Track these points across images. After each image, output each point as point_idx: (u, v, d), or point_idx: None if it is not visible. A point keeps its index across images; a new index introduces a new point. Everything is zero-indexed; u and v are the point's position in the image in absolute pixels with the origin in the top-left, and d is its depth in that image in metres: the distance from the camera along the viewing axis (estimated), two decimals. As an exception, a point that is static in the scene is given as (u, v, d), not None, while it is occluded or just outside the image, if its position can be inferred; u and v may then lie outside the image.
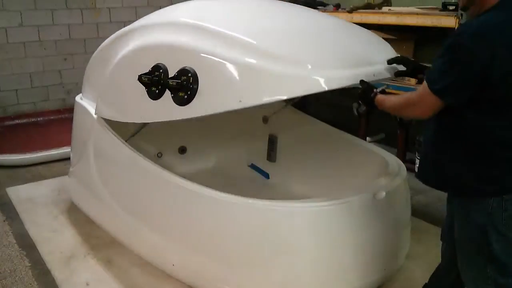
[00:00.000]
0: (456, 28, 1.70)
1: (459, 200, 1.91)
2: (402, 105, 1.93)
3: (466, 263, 1.93)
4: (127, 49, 2.83)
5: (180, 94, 2.32)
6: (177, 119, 2.41)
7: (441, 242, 2.19)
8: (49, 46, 5.79)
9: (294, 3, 4.91)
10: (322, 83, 2.14)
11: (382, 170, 2.68)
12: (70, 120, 3.61)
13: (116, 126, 3.00)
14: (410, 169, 3.81)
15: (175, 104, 2.36)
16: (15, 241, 3.17)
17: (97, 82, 3.14)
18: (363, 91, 2.12)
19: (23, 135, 5.26)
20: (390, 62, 2.33)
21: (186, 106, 2.31)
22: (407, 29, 4.09)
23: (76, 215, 3.47)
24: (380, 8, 4.20)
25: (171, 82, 2.34)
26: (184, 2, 2.99)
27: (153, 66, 2.49)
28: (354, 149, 3.14)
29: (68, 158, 3.75)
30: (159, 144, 3.75)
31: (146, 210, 2.79)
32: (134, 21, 3.12)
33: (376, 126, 4.81)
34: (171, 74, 2.40)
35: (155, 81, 2.44)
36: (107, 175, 3.06)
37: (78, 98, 3.45)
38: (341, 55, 2.32)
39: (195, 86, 2.28)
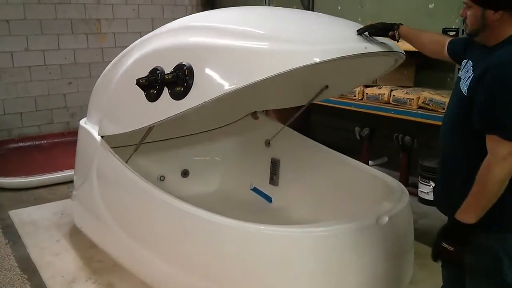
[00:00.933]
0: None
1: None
2: (488, 180, 1.66)
3: None
4: (126, 65, 2.89)
5: (177, 88, 2.36)
6: (176, 113, 2.40)
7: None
8: (54, 70, 5.88)
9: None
10: (313, 56, 2.14)
11: (385, 194, 2.68)
12: (74, 143, 3.63)
13: (119, 150, 3.02)
14: (412, 193, 3.83)
15: (173, 100, 2.39)
16: (16, 265, 3.16)
17: (100, 105, 3.18)
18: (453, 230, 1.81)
19: (27, 158, 5.30)
20: (359, 32, 2.32)
21: (183, 99, 2.34)
22: (408, 54, 4.13)
23: (78, 239, 3.46)
24: (381, 33, 4.25)
25: (167, 77, 2.38)
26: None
27: (150, 71, 2.54)
28: (357, 173, 3.14)
29: (71, 181, 3.77)
30: (161, 167, 3.77)
31: (148, 234, 2.78)
32: (139, 46, 3.18)
33: (379, 150, 4.84)
34: (168, 71, 2.45)
35: (153, 81, 2.49)
36: (110, 198, 3.07)
37: (82, 122, 3.48)
38: (329, 34, 2.34)
39: (190, 78, 2.32)
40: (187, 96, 2.32)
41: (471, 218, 1.71)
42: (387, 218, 2.37)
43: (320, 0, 5.41)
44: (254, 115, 3.86)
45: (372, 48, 2.25)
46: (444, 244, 1.78)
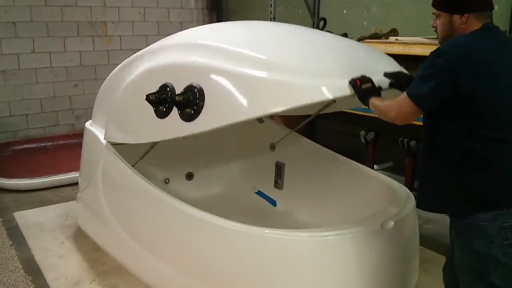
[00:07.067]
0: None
1: (459, 227, 1.92)
2: (384, 108, 1.95)
3: None
4: (135, 73, 2.88)
5: (187, 110, 2.36)
6: (185, 135, 2.41)
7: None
8: (60, 72, 5.90)
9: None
10: (325, 92, 2.13)
11: (390, 199, 2.67)
12: (79, 145, 3.64)
13: (125, 153, 3.02)
14: (418, 198, 3.81)
15: (182, 120, 2.39)
16: (21, 266, 3.16)
17: (106, 108, 3.18)
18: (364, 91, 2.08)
19: (32, 159, 5.32)
20: (386, 75, 2.30)
21: (193, 121, 2.34)
22: (414, 58, 4.12)
23: (82, 241, 3.47)
24: (387, 38, 4.24)
25: (177, 98, 2.37)
26: (189, 29, 3.05)
27: (161, 86, 2.53)
28: (362, 178, 3.12)
29: (76, 183, 3.77)
30: (166, 170, 3.77)
31: (152, 237, 2.78)
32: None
33: (384, 154, 4.82)
34: (178, 90, 2.43)
35: (163, 99, 2.48)
36: (115, 201, 3.07)
37: (87, 124, 3.49)
38: (343, 65, 2.31)
39: (201, 101, 2.31)
40: (196, 119, 2.32)
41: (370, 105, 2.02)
42: (393, 223, 2.36)
43: (325, 4, 5.42)
44: (259, 118, 3.85)
45: (383, 83, 2.22)
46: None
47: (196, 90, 2.33)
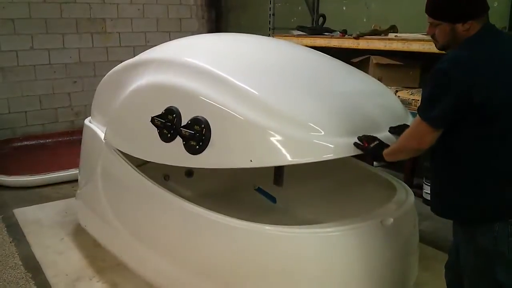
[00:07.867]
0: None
1: (464, 226, 1.92)
2: (402, 144, 1.96)
3: None
4: (140, 82, 2.85)
5: (192, 143, 2.36)
6: (187, 166, 2.42)
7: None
8: (59, 69, 5.90)
9: (300, 29, 5.00)
10: (333, 151, 2.16)
11: (390, 195, 2.67)
12: (78, 142, 3.64)
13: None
14: (417, 195, 3.81)
15: (186, 151, 2.39)
16: (21, 263, 3.17)
17: (107, 109, 3.17)
18: (374, 149, 2.13)
19: (31, 156, 5.32)
20: (391, 131, 2.34)
21: (196, 155, 2.35)
22: (413, 55, 4.12)
23: (82, 238, 3.47)
24: (386, 34, 4.24)
25: (184, 131, 2.37)
26: (200, 37, 2.99)
27: (166, 109, 2.52)
28: (361, 174, 3.13)
29: (76, 180, 3.77)
30: (166, 167, 3.75)
31: (152, 234, 2.78)
32: (144, 46, 3.15)
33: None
34: (184, 119, 2.43)
35: (168, 126, 2.48)
36: (115, 198, 3.07)
37: (87, 121, 3.49)
38: (352, 121, 2.32)
39: (207, 137, 2.31)
40: (200, 155, 2.33)
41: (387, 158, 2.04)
42: (392, 220, 2.36)
43: (325, 0, 5.41)
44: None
45: (388, 140, 2.22)
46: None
47: (202, 125, 2.33)
